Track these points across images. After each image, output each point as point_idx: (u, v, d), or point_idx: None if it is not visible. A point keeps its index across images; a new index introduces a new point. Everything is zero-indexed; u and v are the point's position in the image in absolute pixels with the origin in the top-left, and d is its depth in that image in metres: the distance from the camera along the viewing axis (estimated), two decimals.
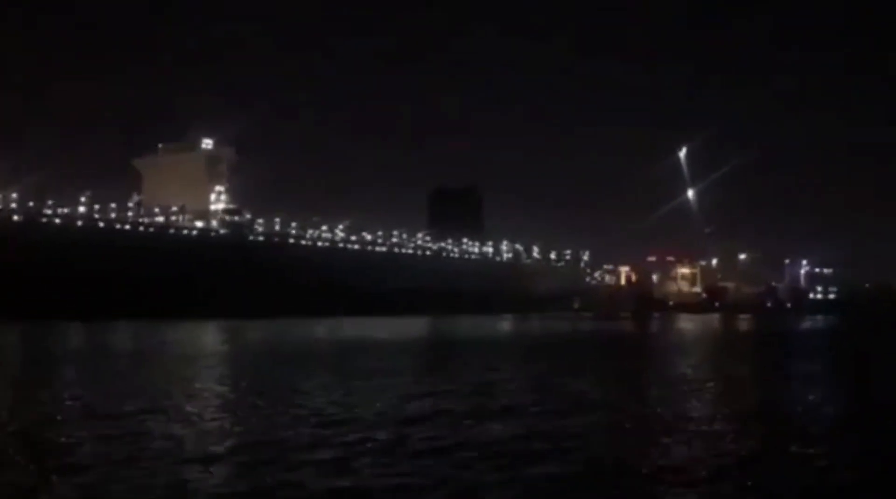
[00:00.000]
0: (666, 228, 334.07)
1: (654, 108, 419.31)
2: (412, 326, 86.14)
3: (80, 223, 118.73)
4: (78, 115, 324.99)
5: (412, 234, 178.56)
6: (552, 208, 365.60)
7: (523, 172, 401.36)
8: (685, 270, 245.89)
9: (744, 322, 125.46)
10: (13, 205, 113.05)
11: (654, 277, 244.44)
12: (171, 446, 16.00)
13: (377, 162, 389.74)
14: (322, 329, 77.23)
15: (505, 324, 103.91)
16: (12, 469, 13.94)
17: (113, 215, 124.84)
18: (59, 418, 19.91)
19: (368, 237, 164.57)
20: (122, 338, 64.09)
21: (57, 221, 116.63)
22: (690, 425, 19.10)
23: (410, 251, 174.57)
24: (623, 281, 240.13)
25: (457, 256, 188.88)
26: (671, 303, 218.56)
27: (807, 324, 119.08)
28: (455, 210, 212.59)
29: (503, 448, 15.85)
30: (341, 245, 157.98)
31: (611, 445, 16.75)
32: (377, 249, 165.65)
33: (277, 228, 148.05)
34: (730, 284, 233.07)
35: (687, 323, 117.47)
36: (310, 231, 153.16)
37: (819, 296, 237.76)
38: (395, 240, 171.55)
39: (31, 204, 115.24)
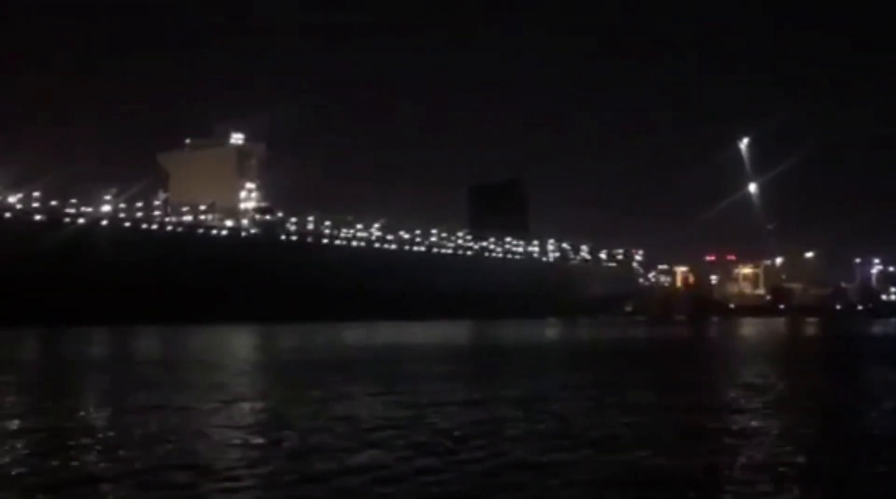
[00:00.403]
0: (726, 225, 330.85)
1: (712, 98, 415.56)
2: (452, 332, 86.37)
3: (104, 223, 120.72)
4: (102, 110, 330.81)
5: (452, 232, 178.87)
6: (602, 205, 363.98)
7: (571, 165, 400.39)
8: (747, 271, 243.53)
9: (811, 326, 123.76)
10: (35, 204, 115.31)
11: (713, 278, 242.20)
12: (216, 456, 16.39)
13: (415, 156, 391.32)
14: (357, 334, 77.83)
15: (551, 329, 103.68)
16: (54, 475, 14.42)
17: (139, 214, 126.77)
18: (94, 424, 20.48)
19: (406, 236, 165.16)
20: (149, 344, 65.27)
21: (81, 220, 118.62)
22: (756, 437, 19.07)
23: (450, 251, 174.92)
24: (679, 282, 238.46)
25: (500, 255, 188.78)
26: (732, 305, 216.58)
27: (880, 328, 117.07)
28: (497, 207, 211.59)
29: (562, 458, 16.00)
30: (377, 245, 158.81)
31: (674, 455, 16.80)
32: (414, 249, 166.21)
33: (310, 227, 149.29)
34: (795, 286, 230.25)
35: (749, 327, 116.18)
36: (344, 230, 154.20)
37: (893, 297, 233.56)
38: (433, 239, 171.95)
39: (53, 203, 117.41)
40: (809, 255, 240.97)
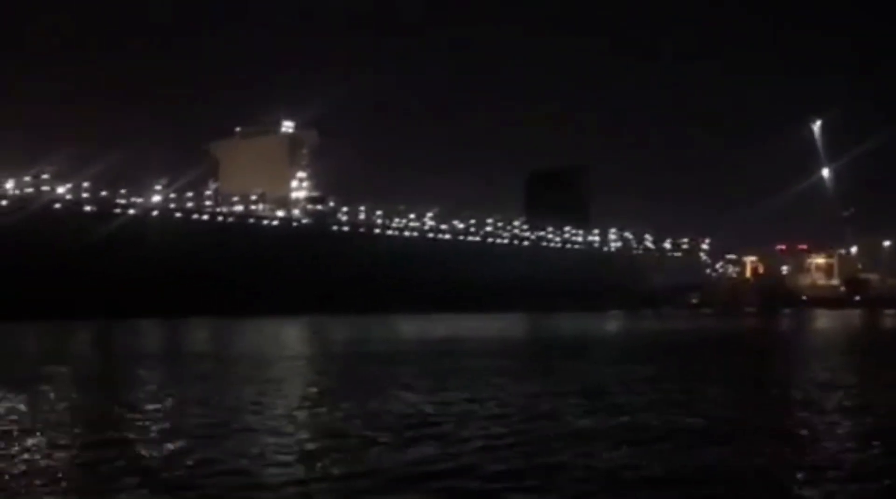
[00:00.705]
0: (797, 213, 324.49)
1: (780, 79, 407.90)
2: (508, 324, 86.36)
3: (155, 213, 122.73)
4: (151, 97, 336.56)
5: (508, 221, 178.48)
6: (667, 192, 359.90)
7: (634, 152, 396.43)
8: (820, 260, 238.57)
9: (889, 318, 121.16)
10: (85, 194, 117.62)
11: (784, 269, 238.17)
12: (273, 450, 16.77)
13: (470, 143, 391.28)
14: (411, 327, 78.27)
15: (613, 322, 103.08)
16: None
17: (190, 205, 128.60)
18: (157, 416, 21.05)
19: (460, 226, 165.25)
20: (201, 336, 66.48)
21: (131, 211, 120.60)
22: (830, 435, 18.86)
23: (506, 241, 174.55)
24: (748, 272, 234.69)
25: (558, 245, 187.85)
26: (804, 297, 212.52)
27: None
28: (556, 195, 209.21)
29: (627, 454, 16.06)
30: (430, 235, 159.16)
31: (744, 452, 16.74)
32: (469, 238, 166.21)
33: (362, 217, 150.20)
34: (872, 276, 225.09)
35: (823, 319, 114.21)
36: (396, 220, 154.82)
37: None
38: (489, 229, 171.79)
39: (103, 193, 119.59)
40: (887, 243, 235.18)
